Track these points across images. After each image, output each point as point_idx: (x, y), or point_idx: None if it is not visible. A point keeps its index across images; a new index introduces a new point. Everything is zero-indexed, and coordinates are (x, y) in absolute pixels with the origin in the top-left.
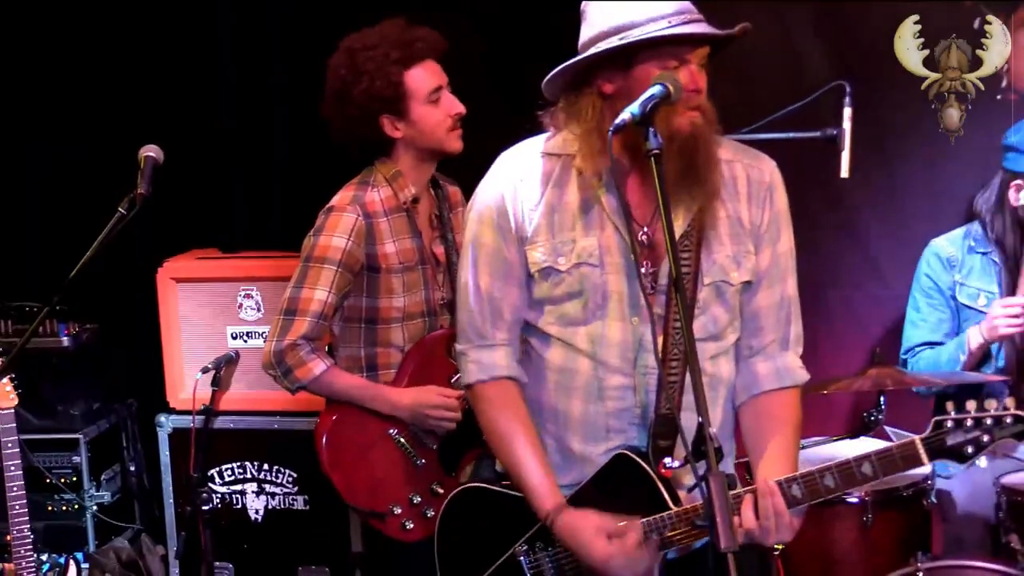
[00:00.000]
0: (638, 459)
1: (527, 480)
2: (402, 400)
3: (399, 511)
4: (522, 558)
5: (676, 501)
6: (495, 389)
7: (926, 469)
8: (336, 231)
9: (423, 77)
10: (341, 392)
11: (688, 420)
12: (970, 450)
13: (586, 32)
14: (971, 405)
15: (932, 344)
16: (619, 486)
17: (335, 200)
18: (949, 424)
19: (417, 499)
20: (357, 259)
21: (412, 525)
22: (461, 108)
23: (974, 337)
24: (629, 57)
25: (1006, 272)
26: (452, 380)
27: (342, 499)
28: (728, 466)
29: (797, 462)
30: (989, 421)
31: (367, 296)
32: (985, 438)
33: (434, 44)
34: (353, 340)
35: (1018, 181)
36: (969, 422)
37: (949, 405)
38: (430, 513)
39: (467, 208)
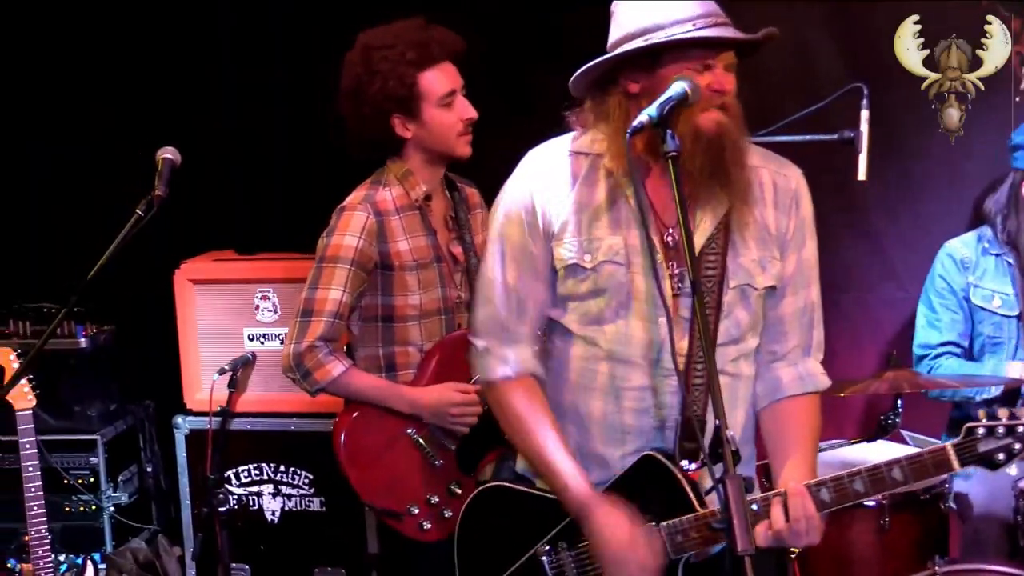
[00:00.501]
0: (665, 460)
1: (558, 472)
2: (422, 399)
3: (416, 511)
4: (544, 558)
5: (703, 504)
6: (522, 385)
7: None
8: (348, 230)
9: (437, 80)
10: (360, 393)
11: (714, 423)
12: (1001, 457)
13: (614, 33)
14: (1003, 412)
15: (953, 345)
16: (645, 487)
17: (347, 200)
18: (981, 431)
19: (435, 499)
20: (370, 257)
21: (429, 525)
22: (474, 113)
23: (1013, 371)
24: (654, 58)
25: (1020, 273)
26: (473, 379)
27: (359, 498)
28: (750, 470)
29: (816, 468)
30: (1021, 429)
31: (382, 294)
32: (1017, 446)
33: (451, 46)
34: (371, 340)
35: None
36: (1001, 429)
37: (980, 412)
38: (448, 514)
39: (493, 206)
